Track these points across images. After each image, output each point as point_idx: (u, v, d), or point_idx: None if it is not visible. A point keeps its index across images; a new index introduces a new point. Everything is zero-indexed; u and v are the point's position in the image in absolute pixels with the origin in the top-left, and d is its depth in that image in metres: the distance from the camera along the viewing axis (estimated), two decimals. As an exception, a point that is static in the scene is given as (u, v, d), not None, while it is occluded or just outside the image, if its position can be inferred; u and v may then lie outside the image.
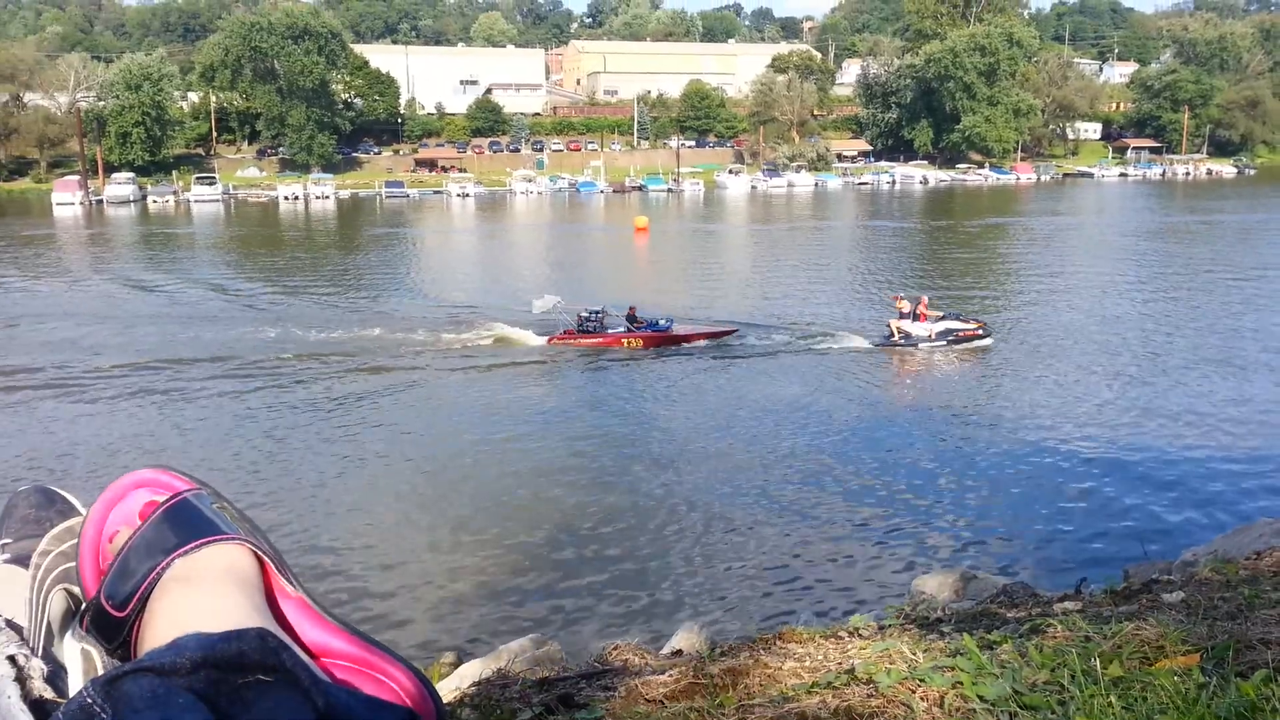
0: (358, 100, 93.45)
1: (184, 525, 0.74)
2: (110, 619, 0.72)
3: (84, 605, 0.76)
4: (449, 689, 2.33)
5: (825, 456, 13.10)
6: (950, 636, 1.68)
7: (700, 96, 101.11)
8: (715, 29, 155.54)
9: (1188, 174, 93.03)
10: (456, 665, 4.36)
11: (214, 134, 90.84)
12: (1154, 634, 1.26)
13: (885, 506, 11.29)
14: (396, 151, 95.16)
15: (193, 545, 0.72)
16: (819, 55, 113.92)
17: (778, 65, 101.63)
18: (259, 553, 0.75)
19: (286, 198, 74.81)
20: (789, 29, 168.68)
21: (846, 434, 14.22)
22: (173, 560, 0.72)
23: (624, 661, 2.11)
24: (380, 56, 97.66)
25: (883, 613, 2.69)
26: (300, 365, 18.93)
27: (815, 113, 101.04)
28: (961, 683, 1.17)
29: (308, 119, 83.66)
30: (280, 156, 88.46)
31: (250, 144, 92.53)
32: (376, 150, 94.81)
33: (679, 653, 2.66)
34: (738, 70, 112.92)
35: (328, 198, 75.62)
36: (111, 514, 0.78)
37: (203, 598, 0.70)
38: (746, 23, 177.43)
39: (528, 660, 3.10)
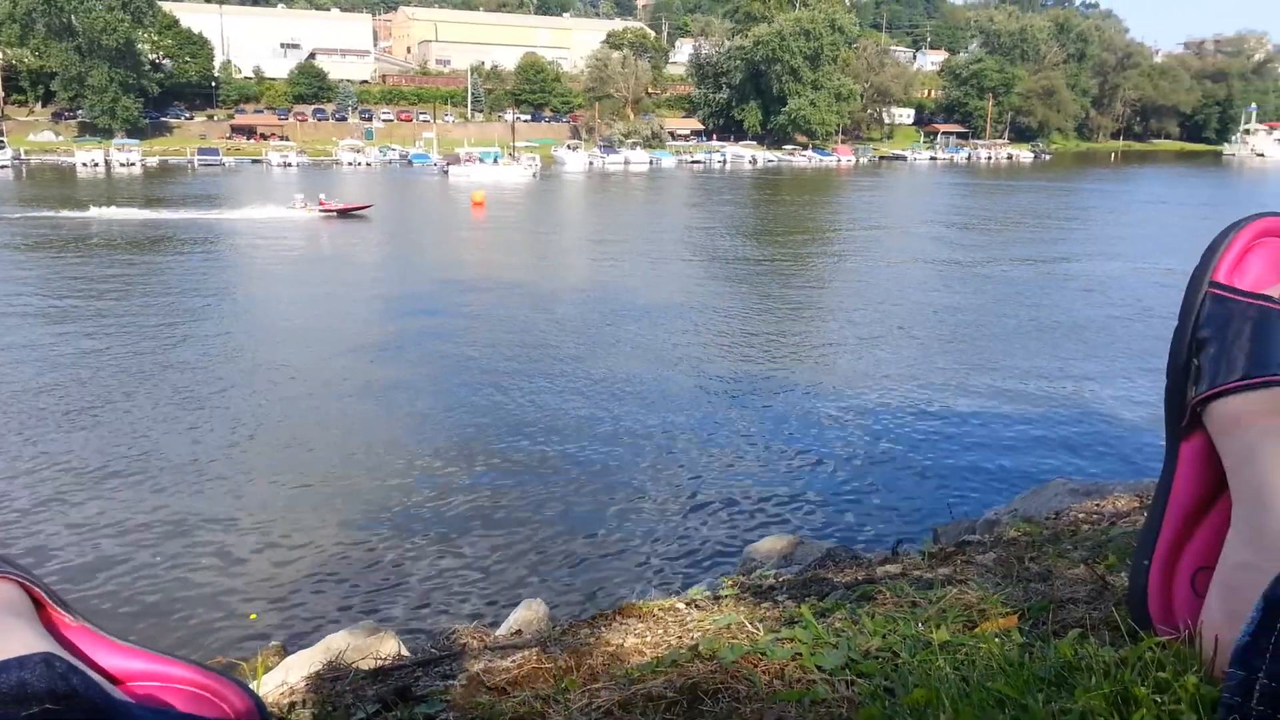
0: (167, 61, 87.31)
1: None
2: None
3: None
4: (275, 683, 2.22)
5: (640, 428, 13.32)
6: (785, 605, 1.72)
7: (535, 70, 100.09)
8: (549, 2, 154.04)
9: (989, 158, 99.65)
10: (283, 657, 4.17)
11: (2, 94, 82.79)
12: (975, 598, 1.33)
13: (708, 475, 11.59)
14: (211, 117, 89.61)
15: None
16: (653, 33, 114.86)
17: (613, 41, 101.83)
18: (28, 585, 0.68)
19: (85, 164, 69.25)
20: (623, 5, 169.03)
21: (662, 405, 14.47)
22: None
23: (463, 646, 2.07)
24: (192, 16, 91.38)
25: (717, 581, 2.75)
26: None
27: (650, 91, 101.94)
28: (800, 654, 1.20)
29: (110, 80, 77.51)
30: (79, 120, 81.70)
31: (45, 106, 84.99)
32: (188, 115, 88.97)
33: (519, 633, 2.63)
34: (573, 45, 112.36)
35: (134, 164, 70.47)
36: None
37: None
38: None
39: (360, 649, 2.99)
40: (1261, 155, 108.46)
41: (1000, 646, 1.12)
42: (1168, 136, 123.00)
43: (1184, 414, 1.04)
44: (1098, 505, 3.26)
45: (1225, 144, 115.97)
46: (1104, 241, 36.65)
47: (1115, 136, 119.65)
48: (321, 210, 40.75)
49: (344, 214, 40.90)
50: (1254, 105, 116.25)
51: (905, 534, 8.53)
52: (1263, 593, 0.79)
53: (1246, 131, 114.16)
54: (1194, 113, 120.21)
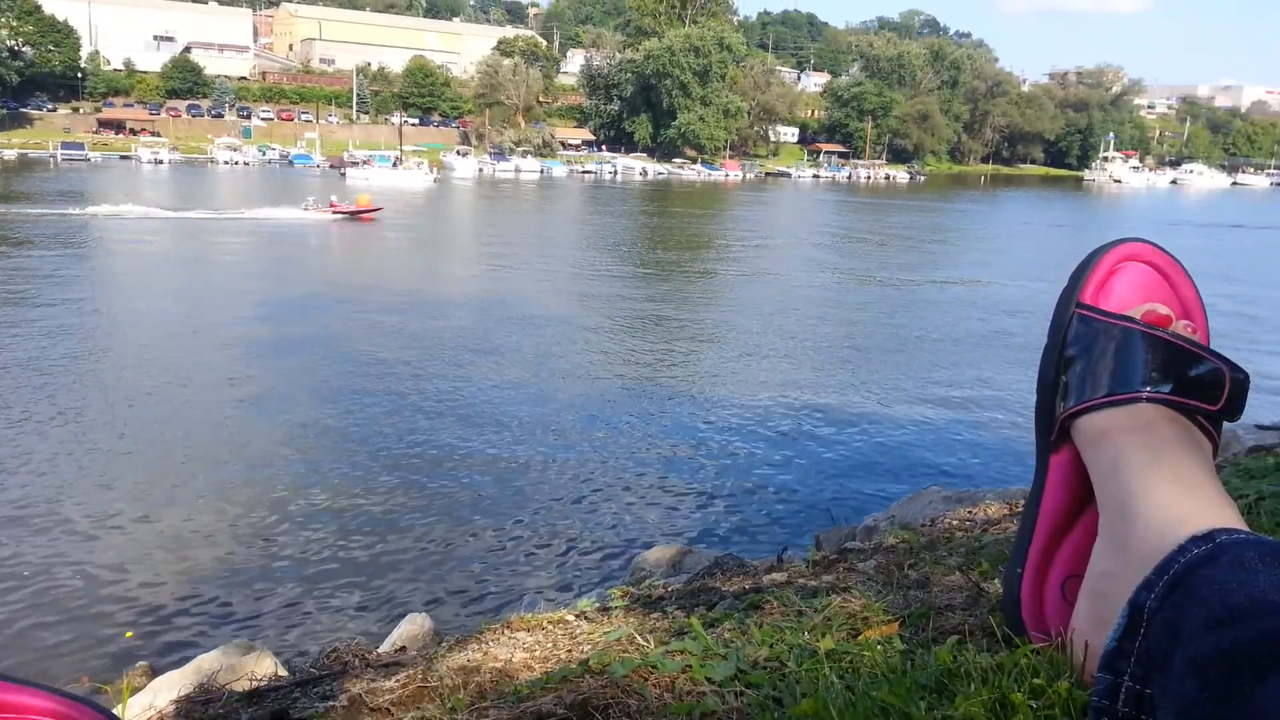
0: (28, 49, 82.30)
1: None
2: None
3: None
4: (142, 707, 2.10)
5: (525, 440, 13.26)
6: (674, 616, 1.73)
7: (424, 73, 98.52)
8: (439, 6, 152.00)
9: (868, 178, 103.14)
10: (151, 678, 3.96)
11: None
12: (859, 606, 1.36)
13: (595, 485, 11.60)
14: (76, 110, 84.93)
15: None
16: (544, 42, 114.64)
17: (504, 49, 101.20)
18: None
19: (-66, 155, 64.82)
20: (514, 13, 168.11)
21: (548, 417, 14.43)
22: None
23: (344, 664, 1.99)
24: (56, 2, 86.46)
25: (607, 592, 2.75)
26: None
27: (541, 99, 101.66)
28: (690, 666, 1.21)
29: (-39, 66, 72.74)
30: (-74, 108, 76.38)
31: (-117, 90, 79.10)
32: (51, 107, 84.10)
33: (403, 649, 2.56)
34: (463, 50, 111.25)
35: (-11, 157, 66.31)
36: None
37: None
38: (472, 3, 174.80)
39: (234, 668, 2.86)
40: (1118, 181, 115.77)
41: (883, 654, 1.15)
42: (1033, 162, 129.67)
43: (1053, 428, 1.07)
44: (970, 512, 3.39)
45: (1086, 170, 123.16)
46: (976, 259, 38.36)
47: (985, 160, 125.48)
48: (334, 212, 40.92)
49: (355, 215, 41.25)
50: (1112, 134, 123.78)
51: (789, 540, 8.70)
52: (1127, 600, 0.82)
53: (1105, 159, 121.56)
54: (1057, 140, 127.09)
